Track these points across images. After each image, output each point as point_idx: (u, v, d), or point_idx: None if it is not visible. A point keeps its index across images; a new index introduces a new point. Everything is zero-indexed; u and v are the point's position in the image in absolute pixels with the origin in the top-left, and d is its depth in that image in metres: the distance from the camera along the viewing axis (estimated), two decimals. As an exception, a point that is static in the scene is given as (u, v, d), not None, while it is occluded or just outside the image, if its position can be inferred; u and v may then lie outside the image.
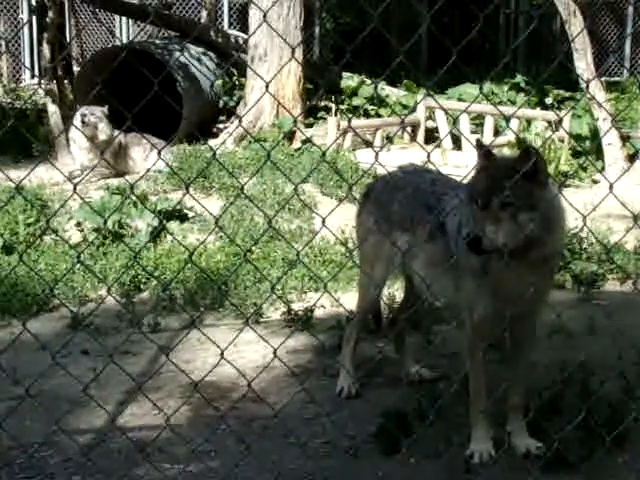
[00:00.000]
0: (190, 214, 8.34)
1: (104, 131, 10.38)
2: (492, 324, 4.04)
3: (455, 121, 11.36)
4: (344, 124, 11.11)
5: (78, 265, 6.41)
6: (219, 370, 4.48)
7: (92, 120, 10.31)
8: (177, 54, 12.42)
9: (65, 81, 11.60)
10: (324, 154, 3.77)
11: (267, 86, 3.35)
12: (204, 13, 16.66)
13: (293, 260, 6.88)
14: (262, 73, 11.53)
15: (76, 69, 13.39)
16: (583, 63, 9.97)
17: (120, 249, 7.17)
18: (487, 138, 10.82)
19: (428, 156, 3.32)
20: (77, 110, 10.62)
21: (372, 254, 4.72)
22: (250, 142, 11.06)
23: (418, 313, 5.36)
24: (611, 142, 9.99)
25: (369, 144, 11.44)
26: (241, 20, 17.18)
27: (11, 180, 3.25)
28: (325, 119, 12.16)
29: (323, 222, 3.11)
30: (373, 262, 4.72)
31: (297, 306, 6.20)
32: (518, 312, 3.96)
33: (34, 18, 13.61)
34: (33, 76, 16.91)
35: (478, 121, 11.94)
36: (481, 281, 3.94)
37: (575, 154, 10.29)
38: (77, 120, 10.39)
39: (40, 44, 11.36)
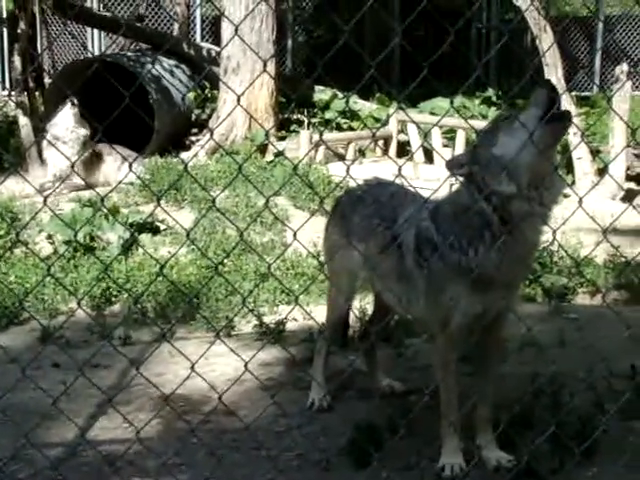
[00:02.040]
0: (162, 227, 8.33)
1: (86, 126, 10.42)
2: (467, 333, 4.04)
3: (427, 135, 11.42)
4: (316, 137, 11.15)
5: (48, 278, 6.37)
6: (190, 383, 4.46)
7: (75, 113, 10.38)
8: (149, 66, 12.41)
9: (36, 93, 11.55)
10: (296, 167, 3.78)
11: (239, 99, 3.35)
12: (176, 25, 16.66)
13: (265, 273, 6.88)
14: (234, 86, 11.54)
15: (47, 81, 13.34)
16: (553, 77, 10.06)
17: (91, 262, 7.15)
18: (459, 152, 10.87)
19: (399, 169, 3.33)
20: (49, 119, 10.60)
21: (338, 267, 4.73)
22: (222, 155, 11.06)
23: (389, 326, 5.37)
24: (581, 156, 10.08)
25: (341, 157, 11.46)
26: (213, 33, 17.19)
27: (-19, 192, 3.24)
28: (297, 132, 12.19)
29: (294, 235, 3.11)
30: (339, 275, 4.74)
31: (269, 319, 6.19)
32: (492, 317, 3.98)
33: (4, 29, 13.55)
34: (4, 88, 16.84)
35: (450, 135, 11.99)
36: (461, 286, 3.93)
37: (545, 168, 10.35)
38: (63, 112, 10.37)
39: (11, 55, 11.31)
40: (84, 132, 10.49)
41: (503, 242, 3.82)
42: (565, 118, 3.81)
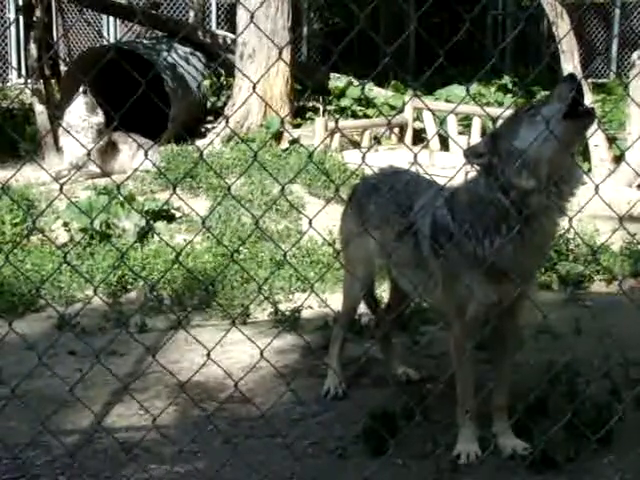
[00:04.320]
0: (177, 214, 8.34)
1: (100, 114, 10.41)
2: (483, 321, 4.04)
3: (442, 122, 11.38)
4: (332, 125, 11.13)
5: (65, 265, 6.39)
6: (206, 370, 4.48)
7: (89, 102, 10.37)
8: (165, 54, 12.41)
9: (52, 81, 11.57)
10: (311, 155, 3.77)
11: (254, 86, 3.35)
12: (192, 13, 16.66)
13: (280, 261, 6.88)
14: (250, 73, 11.53)
15: (63, 69, 13.36)
16: (570, 65, 10.00)
17: (107, 249, 7.16)
18: (474, 139, 10.84)
19: (415, 157, 3.32)
20: (65, 107, 10.61)
21: (354, 256, 4.74)
22: (237, 142, 11.06)
23: (404, 314, 5.37)
24: (597, 143, 10.02)
25: (357, 145, 11.45)
26: (229, 20, 17.18)
27: (-3, 180, 3.25)
28: (313, 119, 12.18)
29: (310, 223, 3.11)
30: (355, 263, 4.75)
31: (284, 306, 6.20)
32: (508, 306, 3.98)
33: (21, 17, 13.56)
34: (20, 76, 16.88)
35: (466, 122, 11.95)
36: (477, 275, 3.92)
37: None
38: (77, 100, 10.39)
39: (27, 43, 11.32)
40: (97, 120, 10.49)
41: (520, 234, 3.81)
42: (589, 115, 3.78)
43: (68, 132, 10.26)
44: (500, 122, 4.00)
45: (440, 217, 4.05)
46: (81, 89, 10.42)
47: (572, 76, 3.84)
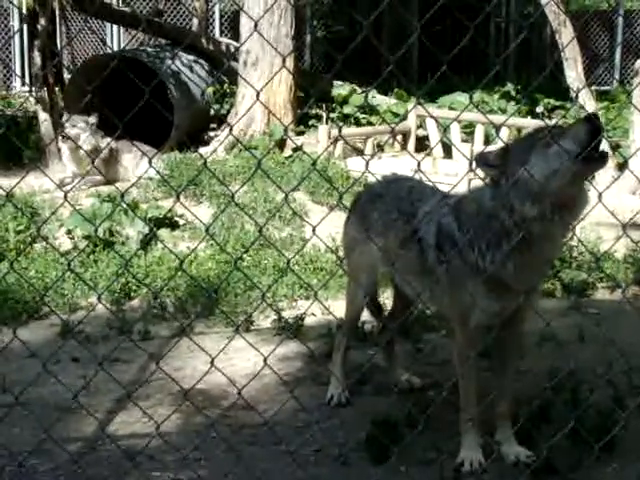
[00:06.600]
0: (181, 222, 8.34)
1: (87, 142, 10.24)
2: (486, 329, 4.04)
3: (446, 130, 11.38)
4: (335, 132, 11.13)
5: (68, 273, 6.39)
6: (209, 378, 4.48)
7: (72, 133, 10.21)
8: (168, 62, 12.42)
9: (56, 89, 11.58)
10: (315, 162, 3.79)
11: (258, 94, 3.35)
12: (195, 21, 16.66)
13: (283, 268, 6.88)
14: (253, 81, 11.54)
15: (67, 77, 13.38)
16: (573, 72, 10.01)
17: (111, 257, 7.17)
18: (477, 147, 10.84)
19: (418, 165, 3.32)
20: (65, 119, 10.59)
21: (357, 263, 4.74)
22: (241, 150, 11.06)
23: (407, 321, 5.37)
24: (601, 151, 10.01)
25: (360, 152, 11.46)
26: (232, 28, 17.20)
27: (1, 188, 3.26)
28: (316, 127, 12.17)
29: (313, 230, 3.11)
30: (359, 271, 4.75)
31: (287, 314, 6.20)
32: (511, 314, 3.99)
33: (25, 26, 13.60)
34: (24, 84, 16.90)
35: (469, 130, 11.96)
36: (479, 285, 3.93)
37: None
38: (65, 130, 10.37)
39: (31, 52, 11.34)
40: (89, 144, 10.36)
41: (520, 253, 3.81)
42: (602, 161, 3.77)
43: (73, 141, 10.26)
44: (516, 139, 3.98)
45: (446, 225, 4.05)
46: (60, 137, 10.28)
47: (593, 117, 3.80)
